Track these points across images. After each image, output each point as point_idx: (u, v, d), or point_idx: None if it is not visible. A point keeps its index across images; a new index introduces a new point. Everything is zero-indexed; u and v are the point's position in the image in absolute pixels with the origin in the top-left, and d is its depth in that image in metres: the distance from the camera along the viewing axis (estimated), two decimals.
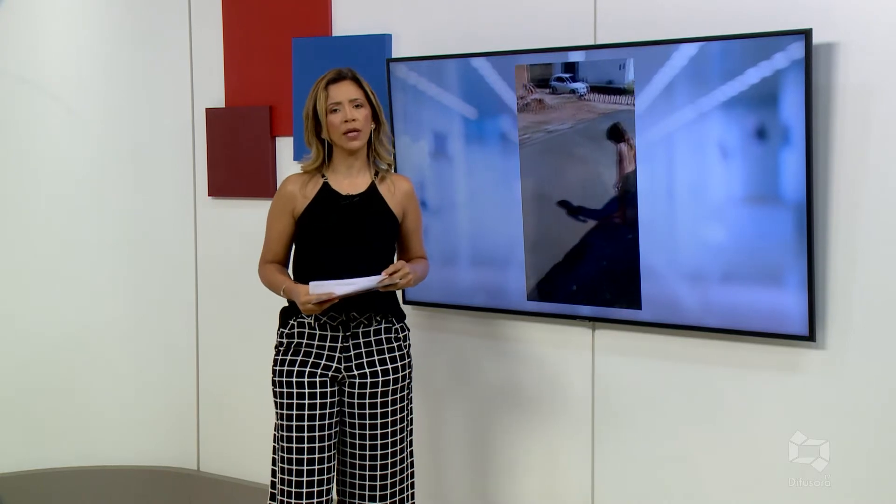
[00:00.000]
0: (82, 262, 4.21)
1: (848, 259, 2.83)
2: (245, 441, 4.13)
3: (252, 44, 3.98)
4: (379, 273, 2.87)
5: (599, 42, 3.16)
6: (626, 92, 3.02)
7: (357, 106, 2.94)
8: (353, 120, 2.92)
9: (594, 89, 3.07)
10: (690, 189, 2.99)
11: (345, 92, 2.94)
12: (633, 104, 3.01)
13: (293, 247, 3.08)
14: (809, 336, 2.85)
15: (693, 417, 3.14)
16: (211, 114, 4.10)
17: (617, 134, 3.06)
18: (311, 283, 2.85)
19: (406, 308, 3.63)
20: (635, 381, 3.24)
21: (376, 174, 3.04)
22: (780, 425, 2.98)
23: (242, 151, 4.00)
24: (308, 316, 2.97)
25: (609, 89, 3.05)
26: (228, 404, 4.19)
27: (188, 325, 4.26)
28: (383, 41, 3.61)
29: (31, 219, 4.20)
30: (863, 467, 2.87)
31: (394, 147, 3.09)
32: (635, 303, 3.12)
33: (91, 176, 4.20)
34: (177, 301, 4.25)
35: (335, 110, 2.93)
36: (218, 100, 4.10)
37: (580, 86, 3.10)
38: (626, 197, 3.07)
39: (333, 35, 3.77)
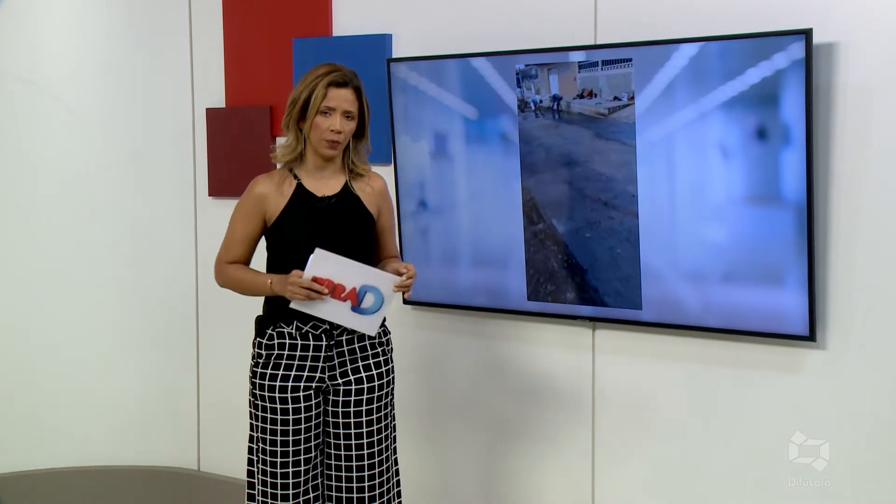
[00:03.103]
0: (82, 262, 4.21)
1: (848, 259, 2.83)
2: (245, 441, 4.12)
3: (252, 44, 3.98)
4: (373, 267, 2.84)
5: (600, 42, 3.17)
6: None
7: (348, 118, 2.86)
8: (339, 132, 2.83)
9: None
10: (691, 189, 2.98)
11: (343, 100, 2.83)
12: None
13: (266, 250, 2.98)
14: (810, 336, 2.85)
15: (693, 417, 3.14)
16: (211, 114, 4.10)
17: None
18: (316, 251, 2.75)
19: (406, 308, 3.64)
20: (635, 381, 3.24)
21: (350, 173, 2.95)
22: (780, 425, 2.98)
23: (243, 151, 4.00)
24: (288, 325, 2.90)
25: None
26: (229, 404, 4.18)
27: (189, 324, 4.25)
28: (383, 41, 3.60)
29: (31, 219, 4.19)
30: (863, 467, 2.87)
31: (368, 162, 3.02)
32: (636, 303, 3.12)
33: (91, 176, 4.20)
34: (177, 301, 4.24)
35: (326, 113, 2.83)
36: (218, 100, 4.10)
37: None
38: (627, 196, 3.08)
39: (334, 35, 3.77)
